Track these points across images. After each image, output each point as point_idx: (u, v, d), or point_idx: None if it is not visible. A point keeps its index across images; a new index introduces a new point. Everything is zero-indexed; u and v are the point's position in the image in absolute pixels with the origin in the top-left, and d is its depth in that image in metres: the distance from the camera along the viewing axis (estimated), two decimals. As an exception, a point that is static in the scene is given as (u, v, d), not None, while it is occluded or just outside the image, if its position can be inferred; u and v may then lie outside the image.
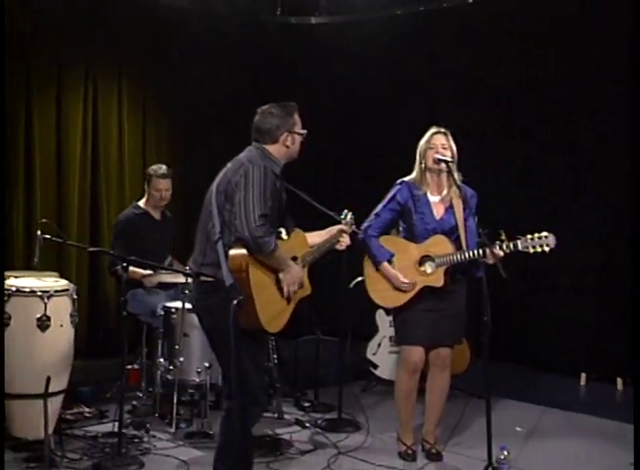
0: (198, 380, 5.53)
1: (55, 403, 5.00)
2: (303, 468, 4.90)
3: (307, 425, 5.69)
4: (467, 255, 4.80)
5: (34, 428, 4.88)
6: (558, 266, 7.09)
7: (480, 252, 4.72)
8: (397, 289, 4.97)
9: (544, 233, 4.67)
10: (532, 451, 5.30)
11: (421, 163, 4.98)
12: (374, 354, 6.62)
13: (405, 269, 4.96)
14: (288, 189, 4.24)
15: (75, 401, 5.66)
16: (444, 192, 5.00)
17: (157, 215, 6.27)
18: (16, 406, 4.93)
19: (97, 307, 7.56)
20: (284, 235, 4.14)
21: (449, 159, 4.88)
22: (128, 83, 7.78)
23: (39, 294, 4.96)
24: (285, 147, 4.16)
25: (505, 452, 4.78)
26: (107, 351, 7.07)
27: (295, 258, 4.13)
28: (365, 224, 5.03)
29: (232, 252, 3.90)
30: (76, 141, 7.44)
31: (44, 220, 5.11)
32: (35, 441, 4.86)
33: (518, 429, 5.74)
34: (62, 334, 5.04)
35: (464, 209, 4.92)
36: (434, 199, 5.00)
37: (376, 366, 6.60)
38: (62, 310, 5.05)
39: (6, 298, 4.94)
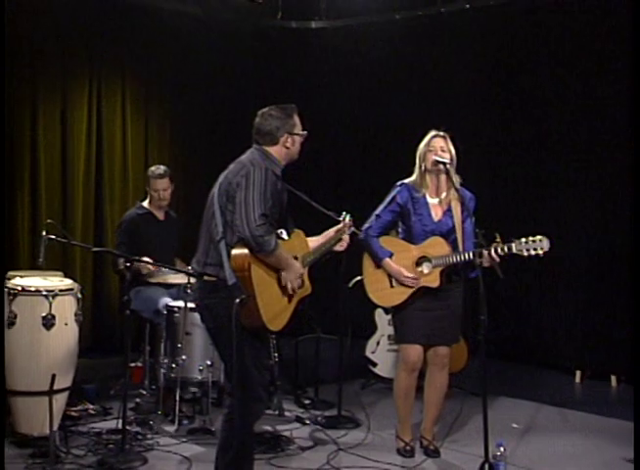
0: (200, 378, 5.53)
1: (60, 400, 5.00)
2: (304, 464, 4.88)
3: (308, 422, 5.69)
4: (463, 256, 4.81)
5: (40, 424, 4.89)
6: (553, 266, 7.11)
7: (475, 253, 4.73)
8: (395, 288, 4.98)
9: (538, 237, 4.65)
10: (528, 448, 5.29)
11: (420, 165, 4.99)
12: (373, 353, 6.62)
13: (403, 269, 4.97)
14: (288, 190, 4.24)
15: (80, 399, 5.67)
16: (443, 194, 5.00)
17: (160, 216, 6.27)
18: (21, 403, 4.94)
19: (101, 306, 7.58)
20: (284, 236, 4.14)
21: (447, 161, 4.89)
22: (131, 87, 7.79)
23: (44, 293, 4.96)
24: (285, 148, 4.17)
25: (501, 449, 4.79)
26: (110, 349, 7.09)
27: (295, 258, 4.13)
28: (366, 225, 5.04)
29: (234, 251, 3.90)
30: (81, 143, 7.45)
31: (49, 221, 5.11)
32: (41, 437, 4.87)
33: (514, 426, 5.74)
34: (66, 332, 5.04)
35: (462, 211, 4.92)
36: (432, 201, 5.00)
37: (375, 364, 6.61)
38: (66, 309, 5.05)
39: (12, 297, 4.96)
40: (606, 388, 6.92)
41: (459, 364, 6.19)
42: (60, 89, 7.32)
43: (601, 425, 5.86)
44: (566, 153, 7.18)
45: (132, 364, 5.94)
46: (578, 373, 7.12)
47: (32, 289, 4.99)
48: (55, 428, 4.84)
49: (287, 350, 6.45)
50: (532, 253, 4.64)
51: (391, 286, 5.02)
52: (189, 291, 5.45)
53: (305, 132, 4.23)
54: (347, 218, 4.53)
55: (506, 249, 4.67)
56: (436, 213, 5.00)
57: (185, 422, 5.50)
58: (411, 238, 5.01)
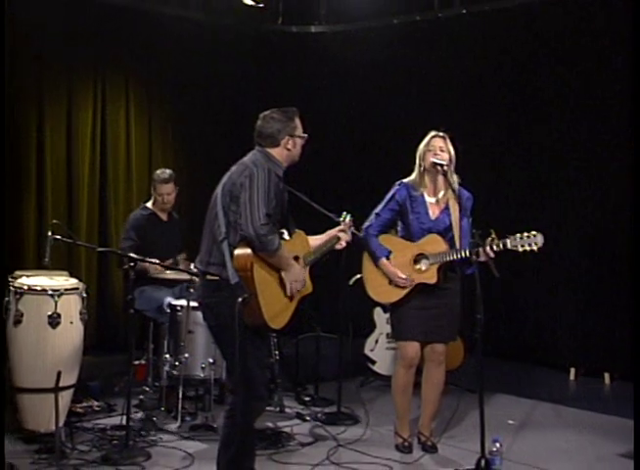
0: (202, 375, 5.52)
1: (65, 397, 4.99)
2: (304, 460, 4.89)
3: (308, 418, 5.69)
4: (459, 253, 4.82)
5: (46, 421, 4.89)
6: (548, 265, 7.12)
7: (471, 251, 4.73)
8: (393, 285, 4.99)
9: (533, 232, 4.66)
10: (524, 443, 5.30)
11: (420, 165, 5.00)
12: (372, 351, 6.62)
13: (401, 267, 4.97)
14: (289, 191, 4.25)
15: (85, 396, 5.66)
16: (441, 194, 5.01)
17: (164, 217, 6.28)
18: (28, 400, 4.93)
19: (105, 305, 7.57)
20: (286, 236, 4.15)
21: (445, 162, 4.89)
22: (135, 90, 7.79)
23: (50, 292, 4.96)
24: (286, 150, 4.17)
25: (497, 444, 4.79)
26: (115, 347, 7.09)
27: (296, 258, 4.14)
28: (366, 224, 5.05)
29: (237, 251, 3.91)
30: (86, 145, 7.46)
31: (55, 221, 5.12)
32: (46, 433, 4.87)
33: (510, 422, 5.74)
34: (72, 331, 5.04)
35: (459, 210, 4.92)
36: (430, 200, 5.01)
37: (374, 362, 6.61)
38: (72, 308, 5.05)
39: (18, 296, 4.95)
40: (599, 385, 6.93)
41: (456, 362, 6.19)
42: (65, 92, 7.32)
43: (595, 421, 5.87)
44: (565, 153, 7.17)
45: (136, 362, 5.94)
46: (573, 371, 7.12)
47: (38, 288, 4.99)
48: (60, 424, 4.83)
49: (287, 348, 6.46)
50: (527, 248, 4.65)
51: (390, 283, 5.02)
52: (191, 290, 5.45)
53: (306, 135, 4.23)
54: (347, 219, 4.53)
55: (501, 245, 4.68)
56: (434, 212, 5.01)
57: (188, 419, 5.50)
58: (409, 236, 5.03)
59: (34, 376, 4.90)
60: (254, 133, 4.20)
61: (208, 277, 4.02)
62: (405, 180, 5.06)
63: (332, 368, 6.18)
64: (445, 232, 4.95)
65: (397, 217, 5.08)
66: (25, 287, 4.98)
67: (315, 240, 4.39)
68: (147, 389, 5.85)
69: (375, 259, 5.04)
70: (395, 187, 5.06)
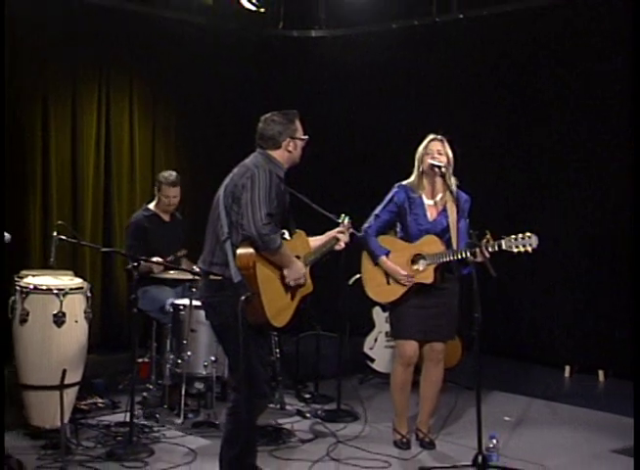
0: (204, 373, 5.53)
1: (70, 395, 5.01)
2: (304, 456, 4.88)
3: (308, 415, 5.69)
4: (456, 254, 4.82)
5: (51, 417, 4.89)
6: (544, 266, 7.12)
7: (468, 252, 4.73)
8: (392, 285, 4.99)
9: (527, 233, 4.66)
10: (520, 440, 5.30)
11: (418, 167, 5.01)
12: (371, 349, 6.62)
13: (399, 267, 4.97)
14: (290, 193, 4.25)
15: (89, 393, 5.68)
16: (439, 196, 5.01)
17: (166, 217, 6.26)
18: (34, 397, 4.94)
19: (109, 305, 7.57)
20: (287, 236, 4.15)
21: (442, 164, 4.89)
22: (139, 93, 7.79)
23: (55, 292, 4.97)
24: (287, 152, 4.17)
25: (494, 441, 4.81)
26: (119, 345, 7.08)
27: (297, 258, 4.14)
28: (365, 225, 5.05)
29: (240, 250, 3.91)
30: (90, 147, 7.45)
31: (60, 222, 5.12)
32: (52, 429, 4.88)
33: (506, 419, 5.75)
34: (76, 329, 5.05)
35: (457, 212, 4.93)
36: (428, 202, 5.02)
37: (373, 360, 6.61)
38: (76, 307, 5.06)
39: (24, 295, 4.96)
40: (594, 382, 6.93)
41: (453, 360, 6.19)
42: (70, 95, 7.31)
43: (589, 418, 5.87)
44: (564, 154, 7.16)
45: (139, 360, 5.93)
46: (567, 368, 7.13)
47: (44, 288, 5.00)
48: (66, 421, 4.85)
49: (288, 346, 6.46)
50: (522, 249, 4.65)
51: (388, 283, 5.03)
52: (194, 289, 5.45)
53: (307, 137, 4.24)
54: (346, 221, 4.53)
55: (496, 246, 4.68)
56: (432, 214, 5.01)
57: (190, 416, 5.50)
58: (408, 237, 5.04)
59: (40, 374, 4.91)
60: (256, 135, 4.20)
61: (211, 277, 4.02)
62: (404, 182, 5.07)
63: (331, 366, 6.18)
64: (443, 233, 4.95)
65: (396, 219, 5.09)
66: (31, 286, 4.99)
67: (315, 241, 4.39)
68: (150, 386, 5.85)
69: (374, 258, 5.05)
70: (394, 189, 5.06)
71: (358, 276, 5.36)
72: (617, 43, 6.75)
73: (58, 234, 4.76)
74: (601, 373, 6.96)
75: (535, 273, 7.28)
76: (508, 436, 5.32)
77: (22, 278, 5.20)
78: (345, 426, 5.48)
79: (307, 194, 4.41)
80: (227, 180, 4.11)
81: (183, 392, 5.47)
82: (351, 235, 4.60)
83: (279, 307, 4.02)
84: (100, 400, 5.67)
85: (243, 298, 3.82)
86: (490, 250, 4.67)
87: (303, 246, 4.27)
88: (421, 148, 5.00)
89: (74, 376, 5.02)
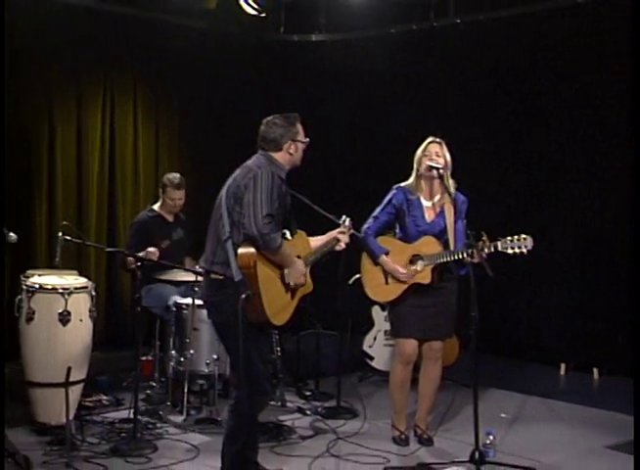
0: (207, 371, 5.53)
1: (75, 392, 5.01)
2: (305, 452, 4.89)
3: (308, 412, 5.70)
4: (453, 255, 4.82)
5: (57, 414, 4.90)
6: (540, 267, 7.11)
7: (465, 252, 4.74)
8: (390, 284, 4.99)
9: (523, 235, 4.67)
10: (516, 436, 5.31)
11: (417, 169, 5.01)
12: (370, 347, 6.62)
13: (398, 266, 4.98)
14: (291, 194, 4.25)
15: (94, 390, 5.68)
16: (437, 197, 5.02)
17: (170, 218, 6.27)
18: (40, 394, 4.95)
19: (114, 303, 7.58)
20: (288, 236, 4.16)
21: (440, 166, 4.90)
22: (143, 96, 7.80)
23: (60, 291, 4.97)
24: (289, 154, 4.18)
25: (491, 437, 4.82)
26: (123, 343, 7.07)
27: (298, 258, 4.14)
28: (365, 226, 5.05)
29: (241, 250, 3.91)
30: (95, 149, 7.46)
31: (65, 223, 5.13)
32: (58, 426, 4.89)
33: (502, 415, 5.75)
34: (81, 328, 5.05)
35: (454, 213, 4.93)
36: (426, 203, 5.02)
37: (372, 358, 6.61)
38: (81, 306, 5.06)
39: (30, 294, 4.97)
40: (588, 380, 6.92)
41: (451, 358, 6.19)
42: (75, 98, 7.32)
43: (584, 414, 5.87)
44: (563, 159, 7.14)
45: (143, 358, 5.94)
46: (563, 366, 7.12)
47: (49, 287, 5.00)
48: (71, 417, 4.85)
49: (289, 344, 6.46)
50: (517, 251, 4.66)
51: (387, 283, 5.04)
52: (196, 289, 5.45)
53: (308, 139, 4.24)
54: (347, 222, 4.53)
55: (492, 247, 4.68)
56: (430, 215, 5.01)
57: (193, 412, 5.50)
58: (406, 237, 5.04)
59: (46, 371, 4.91)
60: (258, 138, 4.21)
61: (213, 276, 4.03)
62: (402, 184, 5.07)
63: (332, 364, 6.18)
64: (441, 234, 4.95)
65: (395, 220, 5.08)
66: (37, 286, 5.00)
67: (316, 241, 4.39)
68: (153, 384, 5.86)
69: (374, 257, 5.05)
70: (393, 191, 5.07)
71: (358, 276, 5.36)
72: (615, 48, 6.72)
73: (63, 234, 4.77)
74: (596, 371, 6.96)
75: (532, 274, 7.27)
76: (504, 432, 5.33)
77: (28, 278, 5.21)
78: (345, 423, 5.48)
79: (308, 195, 4.41)
80: (229, 181, 4.12)
81: (186, 389, 5.47)
82: (352, 236, 4.61)
83: (279, 306, 4.03)
84: (104, 398, 5.67)
85: (243, 296, 3.82)
86: (487, 251, 4.68)
87: (304, 246, 4.27)
88: (419, 150, 5.00)
89: (79, 374, 5.02)
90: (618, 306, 6.75)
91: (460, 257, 4.78)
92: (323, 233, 4.46)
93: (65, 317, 4.94)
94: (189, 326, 5.55)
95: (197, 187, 7.03)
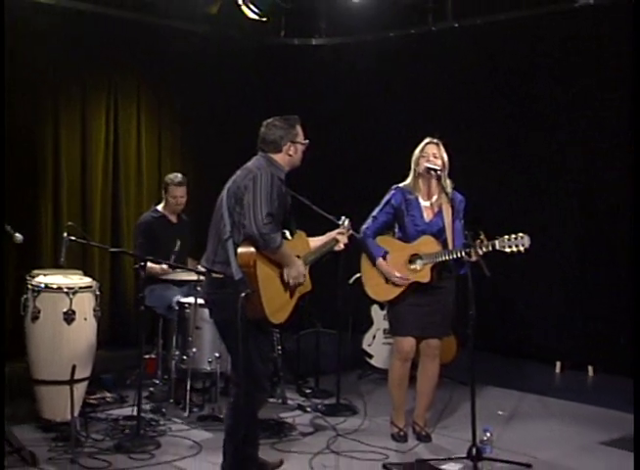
0: (209, 369, 5.53)
1: (80, 389, 5.02)
2: (305, 449, 4.89)
3: (308, 410, 5.70)
4: (451, 254, 4.82)
5: (62, 411, 4.91)
6: (537, 267, 7.11)
7: (463, 251, 4.74)
8: (390, 284, 5.00)
9: (520, 234, 4.67)
10: (512, 432, 5.31)
11: (414, 170, 5.01)
12: (369, 345, 6.63)
13: (397, 266, 4.98)
14: (291, 195, 4.26)
15: (98, 388, 5.68)
16: (435, 197, 5.02)
17: (173, 219, 6.28)
18: (45, 392, 4.96)
19: (118, 303, 7.57)
20: (288, 236, 4.16)
21: (438, 167, 4.90)
22: (146, 99, 7.81)
23: (65, 290, 4.98)
24: (288, 156, 4.18)
25: (488, 434, 4.81)
26: (126, 342, 7.08)
27: (297, 257, 4.14)
28: (364, 226, 5.06)
29: (241, 249, 3.92)
30: (99, 151, 7.47)
31: (70, 223, 5.13)
32: (63, 422, 4.89)
33: (499, 412, 5.75)
34: (86, 327, 5.06)
35: (452, 213, 4.93)
36: (424, 203, 5.02)
37: (371, 356, 6.61)
38: (86, 305, 5.07)
39: (36, 293, 4.98)
40: (583, 377, 6.94)
41: (448, 356, 6.18)
42: (80, 101, 7.33)
43: (579, 411, 5.88)
44: (562, 160, 7.14)
45: (146, 356, 5.94)
46: (558, 364, 7.13)
47: (54, 286, 5.01)
48: (76, 414, 4.86)
49: (289, 343, 6.46)
50: (514, 249, 4.65)
51: (386, 282, 5.03)
52: (198, 288, 5.45)
53: (307, 141, 4.25)
54: (346, 223, 4.54)
55: (490, 246, 4.68)
56: (428, 215, 5.01)
57: (195, 410, 5.51)
58: (405, 237, 5.04)
59: (51, 369, 4.92)
60: (258, 139, 4.21)
61: (214, 275, 4.04)
62: (400, 185, 5.07)
63: (331, 362, 6.17)
64: (439, 234, 4.95)
65: (393, 220, 5.09)
66: (42, 285, 5.01)
67: (315, 241, 4.40)
68: (157, 381, 5.86)
69: (372, 260, 5.05)
70: (391, 191, 5.07)
71: (358, 276, 5.36)
72: (612, 51, 6.73)
73: (68, 235, 4.77)
74: (590, 369, 6.96)
75: (528, 274, 7.27)
76: (501, 429, 5.32)
77: (33, 277, 5.22)
78: (345, 420, 5.48)
79: (308, 196, 4.42)
80: (230, 182, 4.12)
81: (188, 387, 5.48)
82: (351, 236, 4.61)
83: (278, 305, 4.03)
84: (108, 395, 5.67)
85: (243, 294, 3.83)
86: (484, 249, 4.68)
87: (303, 246, 4.28)
88: (417, 151, 5.00)
89: (84, 371, 5.03)
90: (615, 306, 6.76)
91: (458, 256, 4.78)
92: (322, 233, 4.47)
93: (69, 316, 4.95)
94: (191, 325, 5.55)
95: (198, 188, 7.04)
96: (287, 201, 4.17)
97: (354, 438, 5.11)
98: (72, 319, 4.95)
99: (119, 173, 7.61)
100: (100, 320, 5.24)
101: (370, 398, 5.96)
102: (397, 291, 4.99)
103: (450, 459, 4.68)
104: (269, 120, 4.21)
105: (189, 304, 5.63)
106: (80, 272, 5.85)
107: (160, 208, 6.28)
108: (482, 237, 4.69)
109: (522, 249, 4.65)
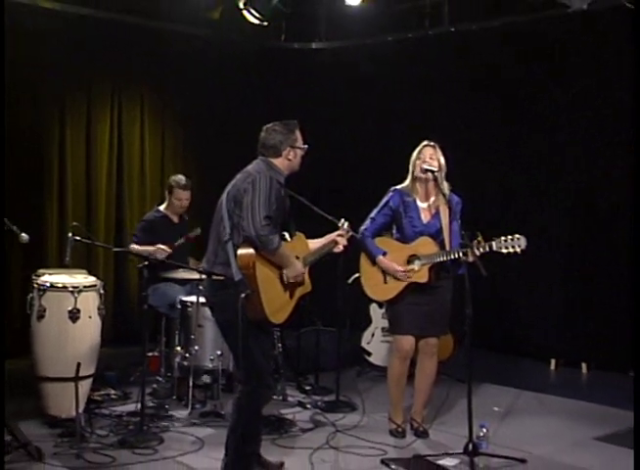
0: (211, 366, 5.54)
1: (85, 386, 5.03)
2: (305, 444, 4.90)
3: (308, 406, 5.70)
4: (449, 255, 4.83)
5: (67, 407, 4.91)
6: (533, 266, 7.11)
7: (460, 252, 4.75)
8: (387, 284, 5.00)
9: (516, 235, 4.67)
10: (508, 428, 5.31)
11: (412, 172, 5.02)
12: (368, 343, 6.63)
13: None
14: (292, 197, 4.26)
15: (103, 384, 5.69)
16: (432, 199, 5.02)
17: (175, 219, 6.29)
18: (50, 388, 4.97)
19: (121, 301, 7.59)
20: (287, 238, 4.17)
21: (435, 169, 4.90)
22: (149, 102, 7.82)
23: (70, 289, 4.99)
24: (287, 160, 4.19)
25: (484, 430, 4.82)
26: (130, 340, 7.05)
27: (297, 258, 4.15)
28: (362, 227, 5.06)
29: (240, 251, 3.93)
30: (103, 153, 7.48)
31: (75, 224, 5.13)
32: (68, 419, 4.90)
33: (495, 409, 5.76)
34: (90, 325, 5.07)
35: (449, 214, 4.94)
36: (422, 205, 5.03)
37: (370, 354, 6.62)
38: (90, 304, 5.08)
39: (41, 292, 4.99)
40: (577, 374, 6.94)
41: (445, 353, 6.19)
42: (85, 105, 7.35)
43: (573, 408, 5.89)
44: (561, 161, 7.14)
45: (150, 354, 5.94)
46: (553, 361, 7.14)
47: (60, 285, 5.02)
48: (80, 410, 4.87)
49: (290, 341, 6.46)
50: (511, 250, 4.65)
51: (385, 282, 5.04)
52: (201, 287, 5.46)
53: (306, 146, 4.25)
54: (346, 225, 4.54)
55: (487, 247, 4.69)
56: (425, 216, 5.02)
57: (197, 406, 5.51)
58: (403, 238, 5.05)
59: (56, 366, 4.93)
60: (258, 144, 4.22)
61: (214, 276, 4.04)
62: (398, 187, 5.08)
63: (331, 360, 6.17)
64: (437, 235, 4.96)
65: (391, 221, 5.09)
66: (48, 284, 5.01)
67: (315, 243, 4.41)
68: (160, 379, 5.86)
69: (372, 258, 5.06)
70: (389, 193, 5.08)
71: (357, 275, 5.37)
72: (610, 51, 6.73)
73: (73, 235, 4.77)
74: (584, 366, 6.97)
75: (525, 274, 7.27)
76: (497, 425, 5.33)
77: (39, 277, 5.22)
78: (344, 416, 5.49)
79: (308, 198, 4.43)
80: (230, 186, 4.13)
81: (191, 384, 5.48)
82: (351, 238, 4.62)
83: (277, 305, 4.04)
84: (112, 392, 5.67)
85: (243, 295, 3.83)
86: (481, 250, 4.68)
87: (302, 247, 4.29)
88: (414, 154, 5.01)
89: (88, 369, 5.04)
90: (609, 306, 6.78)
91: (455, 256, 4.79)
92: (322, 235, 4.47)
93: (74, 315, 4.95)
94: (194, 323, 5.56)
95: (200, 190, 7.04)
96: (286, 204, 4.18)
97: (353, 434, 5.12)
98: (77, 318, 4.96)
99: (123, 175, 7.63)
100: (104, 318, 5.25)
101: (369, 394, 5.96)
102: (395, 291, 4.99)
103: (447, 455, 4.69)
104: (269, 125, 4.22)
105: (191, 302, 5.64)
106: (85, 272, 5.85)
107: (162, 208, 6.30)
108: (480, 238, 4.69)
109: (518, 250, 4.65)
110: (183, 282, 6.05)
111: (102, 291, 5.21)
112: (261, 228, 3.86)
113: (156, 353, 6.08)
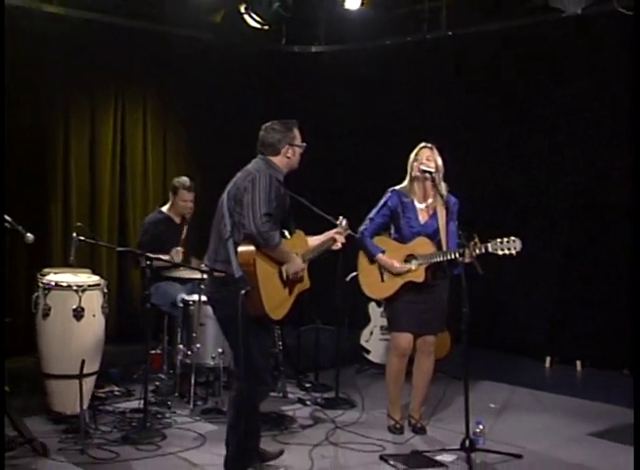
0: (212, 364, 5.55)
1: (89, 383, 5.03)
2: (305, 441, 4.90)
3: (308, 403, 5.71)
4: (446, 255, 4.84)
5: (71, 404, 4.92)
6: (529, 266, 7.10)
7: (457, 253, 4.75)
8: (386, 282, 5.01)
9: (512, 237, 4.67)
10: (504, 425, 5.33)
11: (410, 173, 5.02)
12: (367, 341, 6.64)
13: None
14: (291, 196, 4.27)
15: (106, 382, 5.69)
16: (429, 200, 5.03)
17: (177, 220, 6.30)
18: (55, 385, 4.97)
19: (125, 300, 7.58)
20: (287, 235, 4.18)
21: (432, 170, 4.91)
22: (152, 105, 7.81)
23: (75, 288, 5.00)
24: (286, 158, 4.19)
25: (480, 426, 4.83)
26: (133, 338, 7.06)
27: (296, 255, 4.16)
28: (361, 227, 5.07)
29: (241, 248, 3.94)
30: (107, 155, 7.48)
31: (79, 224, 5.14)
32: (72, 415, 4.91)
33: (491, 406, 5.76)
34: (94, 323, 5.07)
35: (446, 215, 4.94)
36: (419, 205, 5.03)
37: (368, 352, 6.62)
38: (94, 302, 5.08)
39: (46, 291, 5.00)
40: (572, 372, 6.94)
41: (442, 351, 6.18)
42: (88, 107, 7.35)
43: (568, 404, 5.89)
44: (561, 161, 7.13)
45: (152, 352, 5.94)
46: (548, 359, 7.13)
47: (64, 284, 5.03)
48: (85, 407, 4.86)
49: (290, 339, 6.46)
50: (506, 252, 4.65)
51: (382, 280, 5.05)
52: (202, 286, 5.47)
53: (305, 144, 4.26)
54: (344, 222, 4.55)
55: (483, 248, 4.70)
56: (423, 217, 5.03)
57: (199, 403, 5.52)
58: (401, 238, 5.05)
59: (61, 364, 4.94)
60: (257, 143, 4.22)
61: (215, 273, 4.05)
62: (397, 187, 5.08)
63: (330, 357, 6.18)
64: (434, 235, 4.96)
65: (390, 222, 5.10)
66: (53, 283, 5.02)
67: (314, 240, 4.41)
68: (162, 376, 5.87)
69: (371, 256, 5.07)
70: (388, 194, 5.08)
71: (355, 274, 5.38)
72: (607, 53, 6.73)
73: (77, 235, 4.78)
74: (578, 363, 6.97)
75: (521, 273, 7.26)
76: (493, 421, 5.34)
77: (44, 276, 5.22)
78: (343, 413, 5.49)
79: (307, 197, 4.43)
80: (230, 184, 4.14)
81: (193, 381, 5.49)
82: (349, 236, 4.63)
83: (277, 302, 4.05)
84: (116, 389, 5.68)
85: (243, 291, 3.85)
86: (477, 252, 4.69)
87: (302, 244, 4.30)
88: (412, 155, 5.02)
89: (92, 366, 5.05)
90: (611, 305, 6.77)
91: (452, 256, 4.80)
92: (321, 233, 4.48)
93: (79, 313, 4.96)
94: (195, 321, 5.57)
95: (202, 190, 7.05)
96: (285, 201, 4.19)
97: (352, 430, 5.13)
98: (81, 316, 4.97)
99: (126, 176, 7.63)
100: (108, 317, 5.25)
101: (367, 391, 5.96)
102: (391, 289, 5.00)
103: (444, 450, 4.70)
104: (268, 124, 4.23)
105: (193, 301, 5.65)
106: (89, 271, 5.85)
107: (164, 209, 6.30)
108: (476, 239, 4.70)
109: (513, 252, 4.65)
110: (185, 281, 6.06)
111: (105, 290, 5.22)
112: (262, 225, 3.87)
113: (158, 351, 6.09)
